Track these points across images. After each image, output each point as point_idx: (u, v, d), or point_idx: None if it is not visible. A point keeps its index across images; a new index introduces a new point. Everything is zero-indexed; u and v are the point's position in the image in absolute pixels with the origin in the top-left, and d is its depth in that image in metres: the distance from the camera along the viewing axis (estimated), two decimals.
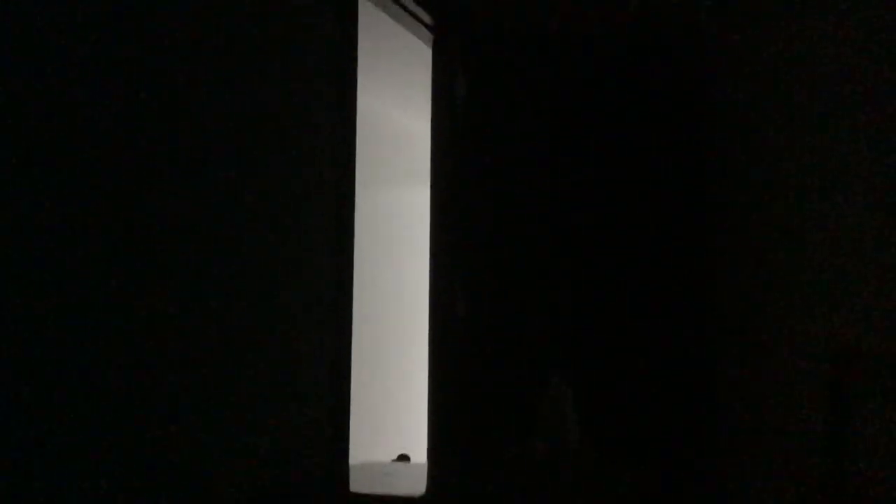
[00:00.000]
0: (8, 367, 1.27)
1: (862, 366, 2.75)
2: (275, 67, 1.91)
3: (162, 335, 1.57)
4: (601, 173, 2.85)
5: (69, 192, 1.37)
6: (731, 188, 3.00)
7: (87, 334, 1.40)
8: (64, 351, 1.36)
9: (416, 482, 1.68)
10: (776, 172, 2.97)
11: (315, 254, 2.05)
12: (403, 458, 1.93)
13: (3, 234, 1.27)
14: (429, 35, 2.60)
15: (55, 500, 1.33)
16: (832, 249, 2.90)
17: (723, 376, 2.98)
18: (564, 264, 2.90)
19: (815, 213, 2.93)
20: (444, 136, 2.83)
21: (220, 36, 1.70)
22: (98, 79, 1.41)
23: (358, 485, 1.65)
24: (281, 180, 1.89)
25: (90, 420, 1.41)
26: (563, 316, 2.88)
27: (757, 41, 2.98)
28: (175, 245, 1.59)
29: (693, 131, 2.91)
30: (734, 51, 3.00)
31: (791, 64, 2.93)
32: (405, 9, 2.39)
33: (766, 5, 2.98)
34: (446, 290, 2.83)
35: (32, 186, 1.31)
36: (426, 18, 2.50)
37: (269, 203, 1.89)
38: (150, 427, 1.54)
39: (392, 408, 6.15)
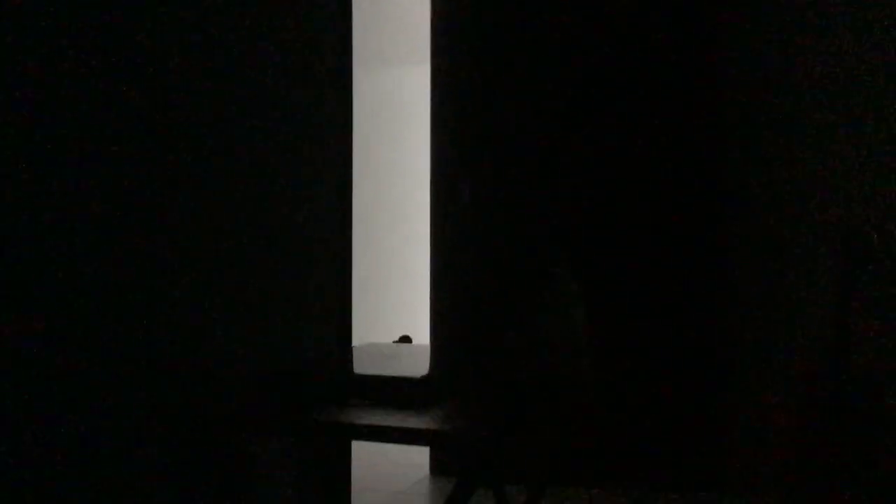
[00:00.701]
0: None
1: (867, 247, 2.78)
2: None
3: (178, 230, 1.57)
4: (608, 53, 2.77)
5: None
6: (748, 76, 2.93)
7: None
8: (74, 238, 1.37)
9: (417, 363, 1.72)
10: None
11: (314, 141, 2.03)
12: (405, 339, 1.97)
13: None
14: None
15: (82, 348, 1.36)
16: (844, 151, 2.87)
17: (736, 264, 3.00)
18: (571, 147, 2.86)
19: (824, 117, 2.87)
20: (444, 15, 2.75)
21: None
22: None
23: (361, 366, 1.68)
24: (275, 66, 1.85)
25: (103, 287, 1.43)
26: (567, 205, 2.87)
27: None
28: (182, 144, 1.57)
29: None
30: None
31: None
32: None
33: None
34: (449, 174, 2.81)
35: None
36: None
37: (264, 91, 1.85)
38: (162, 309, 1.57)
39: (394, 292, 6.24)
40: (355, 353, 1.92)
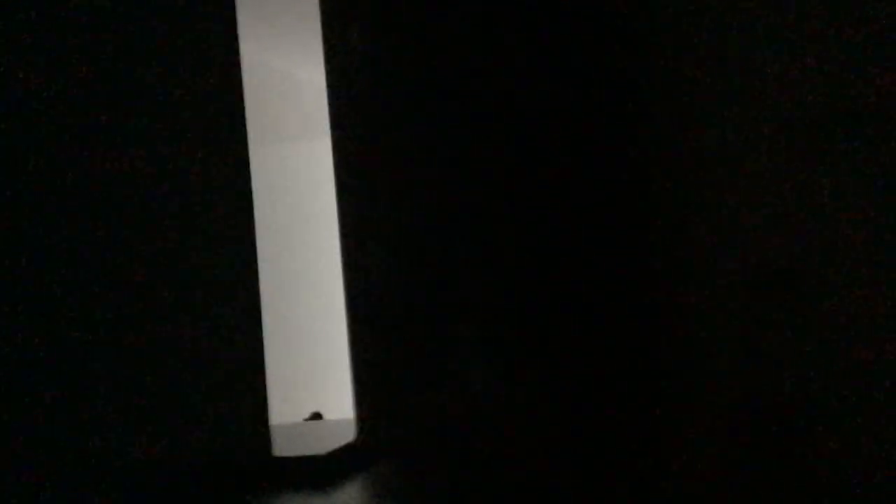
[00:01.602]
0: None
1: (776, 282, 2.88)
2: (155, 21, 1.81)
3: (72, 312, 1.50)
4: (509, 123, 2.84)
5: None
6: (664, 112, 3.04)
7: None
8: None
9: (335, 438, 1.67)
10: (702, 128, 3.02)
11: (213, 216, 1.99)
12: (316, 416, 1.92)
13: None
14: None
15: None
16: (741, 173, 2.99)
17: (643, 302, 3.06)
18: (474, 212, 2.89)
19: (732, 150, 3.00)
20: (341, 88, 2.76)
21: None
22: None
23: (279, 448, 1.62)
24: (168, 141, 1.81)
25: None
26: (471, 265, 2.89)
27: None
28: (75, 217, 1.51)
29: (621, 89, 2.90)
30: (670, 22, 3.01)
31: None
32: None
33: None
34: (357, 242, 2.79)
35: None
36: None
37: (160, 168, 1.81)
38: (53, 412, 1.48)
39: (304, 368, 6.11)
40: (272, 434, 1.85)
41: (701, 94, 3.02)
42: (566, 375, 2.89)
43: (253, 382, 2.10)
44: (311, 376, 6.20)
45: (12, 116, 1.46)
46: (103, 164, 1.63)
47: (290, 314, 5.97)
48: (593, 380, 2.93)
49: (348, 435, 1.68)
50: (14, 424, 1.42)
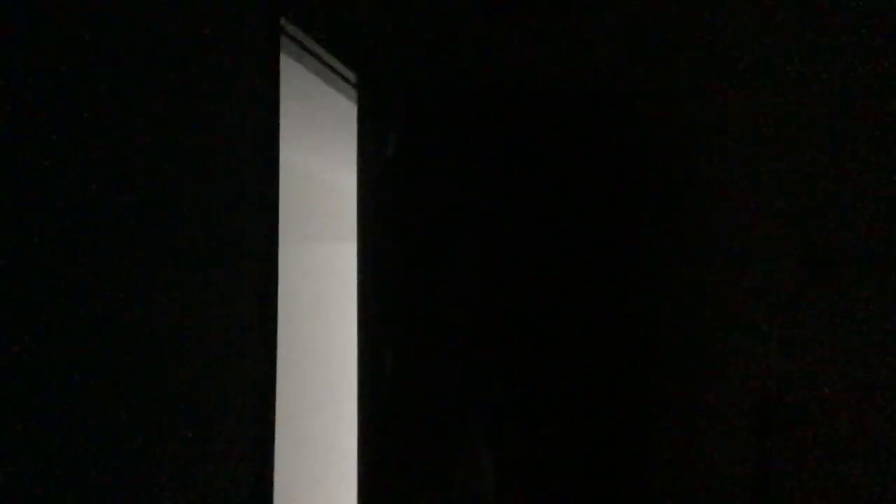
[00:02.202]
0: None
1: (783, 415, 2.83)
2: (195, 123, 1.90)
3: (83, 399, 1.51)
4: (531, 234, 2.89)
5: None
6: (663, 232, 3.07)
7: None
8: None
9: None
10: (705, 219, 3.06)
11: (237, 315, 2.02)
12: None
13: None
14: (354, 93, 2.62)
15: None
16: (756, 308, 2.99)
17: (648, 429, 3.01)
18: (488, 323, 2.91)
19: (741, 270, 3.02)
20: (370, 195, 2.84)
21: (141, 94, 1.69)
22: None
23: None
24: (203, 236, 1.87)
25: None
26: (482, 373, 2.89)
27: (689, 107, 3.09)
28: (95, 302, 1.55)
29: (625, 196, 2.96)
30: (670, 119, 3.11)
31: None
32: (328, 66, 2.41)
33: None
34: (374, 348, 2.81)
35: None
36: (350, 76, 2.53)
37: (190, 258, 1.85)
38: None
39: (317, 468, 6.01)
40: None
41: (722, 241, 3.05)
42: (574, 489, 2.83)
43: (260, 497, 2.08)
44: (319, 481, 6.09)
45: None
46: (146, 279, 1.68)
47: (304, 421, 5.93)
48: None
49: None
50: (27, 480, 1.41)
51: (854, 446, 2.77)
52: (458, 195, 2.83)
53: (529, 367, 2.92)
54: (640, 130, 2.99)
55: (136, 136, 1.68)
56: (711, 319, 3.02)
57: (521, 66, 2.97)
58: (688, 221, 3.04)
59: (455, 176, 2.81)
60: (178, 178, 1.80)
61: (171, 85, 1.78)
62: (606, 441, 2.87)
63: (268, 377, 2.15)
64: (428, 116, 2.78)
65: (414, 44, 2.82)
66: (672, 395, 3.02)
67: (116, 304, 1.62)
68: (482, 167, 2.84)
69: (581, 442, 2.80)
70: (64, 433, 1.49)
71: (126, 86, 1.65)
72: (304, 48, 2.26)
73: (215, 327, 1.96)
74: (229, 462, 2.02)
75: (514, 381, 2.89)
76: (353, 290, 3.01)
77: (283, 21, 2.12)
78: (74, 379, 1.52)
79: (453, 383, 2.84)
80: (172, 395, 1.80)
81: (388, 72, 2.73)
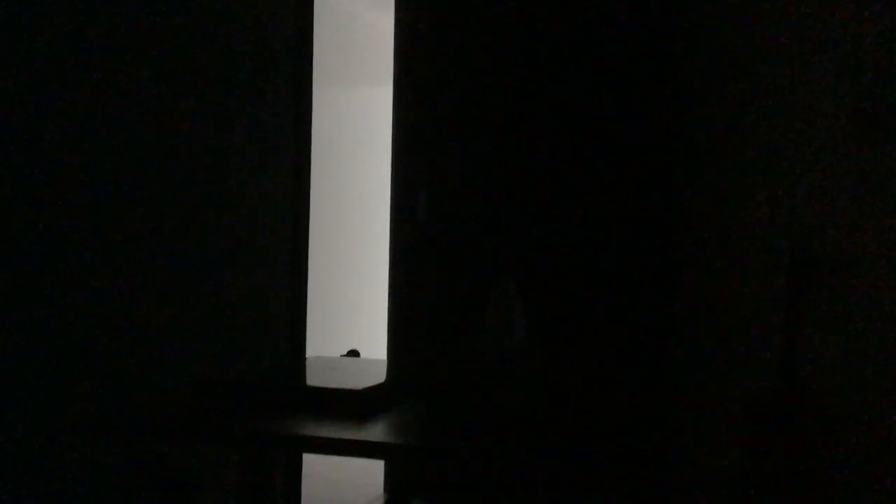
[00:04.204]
0: None
1: (816, 268, 2.85)
2: None
3: (139, 255, 1.57)
4: (562, 81, 2.83)
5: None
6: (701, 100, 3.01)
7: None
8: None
9: (370, 376, 1.73)
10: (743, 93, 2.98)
11: (272, 155, 2.04)
12: (353, 353, 1.98)
13: None
14: None
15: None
16: (799, 162, 2.95)
17: (681, 281, 3.05)
18: (519, 169, 2.91)
19: (783, 131, 2.96)
20: (408, 36, 2.79)
21: None
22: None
23: (313, 377, 1.68)
24: (236, 73, 1.86)
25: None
26: (513, 221, 2.92)
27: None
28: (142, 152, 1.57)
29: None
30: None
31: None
32: None
33: None
34: (407, 195, 2.83)
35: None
36: None
37: (224, 99, 1.86)
38: (104, 307, 1.56)
39: (345, 307, 6.21)
40: (307, 365, 1.92)
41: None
42: (591, 353, 2.92)
43: (294, 315, 2.17)
44: (352, 316, 6.31)
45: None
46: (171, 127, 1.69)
47: (336, 255, 6.07)
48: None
49: (381, 374, 1.73)
50: (80, 346, 1.50)
51: (888, 304, 2.79)
52: (494, 43, 2.76)
53: (562, 217, 2.94)
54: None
55: None
56: (748, 170, 3.00)
57: None
58: (735, 80, 2.96)
59: (492, 22, 2.73)
60: (210, 17, 1.77)
61: None
62: (637, 291, 2.92)
63: (300, 222, 2.19)
64: None
65: None
66: (705, 249, 3.05)
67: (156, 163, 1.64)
68: (516, 20, 2.76)
69: (612, 293, 2.86)
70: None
71: None
72: None
73: (249, 171, 1.98)
74: (266, 301, 2.10)
75: (546, 228, 2.92)
76: (387, 134, 3.01)
77: None
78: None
79: (486, 228, 2.87)
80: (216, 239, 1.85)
81: None
